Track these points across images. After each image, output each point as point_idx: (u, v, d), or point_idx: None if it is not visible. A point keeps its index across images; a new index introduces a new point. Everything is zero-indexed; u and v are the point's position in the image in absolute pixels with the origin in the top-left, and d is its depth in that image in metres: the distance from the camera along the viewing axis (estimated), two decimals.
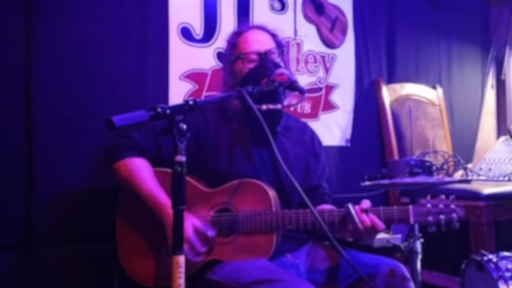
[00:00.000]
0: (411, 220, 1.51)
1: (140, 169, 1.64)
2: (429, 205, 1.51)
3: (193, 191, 1.63)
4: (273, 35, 1.82)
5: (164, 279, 1.60)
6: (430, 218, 1.50)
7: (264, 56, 1.72)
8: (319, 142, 1.93)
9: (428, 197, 1.55)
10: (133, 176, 1.63)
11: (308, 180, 1.80)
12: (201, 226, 1.54)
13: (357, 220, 1.48)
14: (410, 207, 1.51)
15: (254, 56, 1.73)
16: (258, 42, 1.76)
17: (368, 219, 1.49)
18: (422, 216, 1.51)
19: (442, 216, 1.50)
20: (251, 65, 1.72)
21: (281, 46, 1.82)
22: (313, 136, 1.92)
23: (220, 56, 2.33)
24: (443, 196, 1.54)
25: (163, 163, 1.68)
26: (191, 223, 1.53)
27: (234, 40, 1.79)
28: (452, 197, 1.53)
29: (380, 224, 1.50)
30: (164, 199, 1.56)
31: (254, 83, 1.57)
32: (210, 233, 1.54)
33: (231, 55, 1.79)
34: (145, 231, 1.67)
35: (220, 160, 1.70)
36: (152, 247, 1.66)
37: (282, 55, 1.82)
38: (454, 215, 1.50)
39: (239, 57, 1.75)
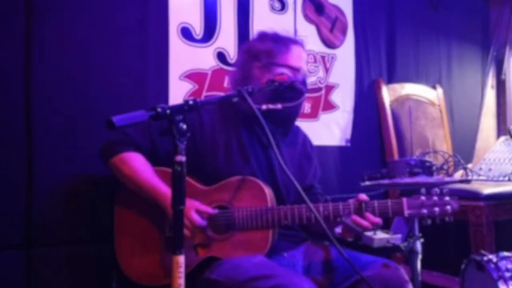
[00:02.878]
0: (406, 212, 1.52)
1: (139, 163, 1.65)
2: (423, 198, 1.52)
3: (189, 188, 1.62)
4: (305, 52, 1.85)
5: (162, 277, 1.60)
6: (424, 211, 1.51)
7: (296, 76, 1.73)
8: (311, 145, 1.98)
9: (423, 190, 1.55)
10: (132, 170, 1.63)
11: (301, 181, 1.80)
12: (202, 206, 1.57)
13: (358, 229, 1.54)
14: (404, 199, 1.53)
15: (288, 71, 1.73)
16: (298, 59, 1.77)
17: (366, 222, 1.53)
18: (416, 209, 1.52)
19: (436, 209, 1.51)
20: (284, 77, 1.69)
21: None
22: (305, 139, 1.96)
23: (220, 56, 2.34)
24: (437, 189, 1.54)
25: (158, 161, 1.69)
26: (192, 204, 1.55)
27: (272, 46, 1.75)
28: (446, 190, 1.53)
29: (377, 220, 1.53)
30: (164, 189, 1.58)
31: (284, 98, 1.66)
32: (211, 210, 1.57)
33: (264, 58, 1.75)
34: (143, 230, 1.67)
35: (217, 160, 1.70)
36: (150, 245, 1.66)
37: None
38: (448, 207, 1.51)
39: (275, 64, 1.72)
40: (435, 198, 1.52)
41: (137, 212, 1.68)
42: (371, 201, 1.56)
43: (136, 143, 1.68)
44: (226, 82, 2.35)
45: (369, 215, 1.54)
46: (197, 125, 1.74)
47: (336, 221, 1.59)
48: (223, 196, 1.64)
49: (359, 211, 1.55)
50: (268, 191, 1.63)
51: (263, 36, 1.84)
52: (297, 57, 1.77)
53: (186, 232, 1.53)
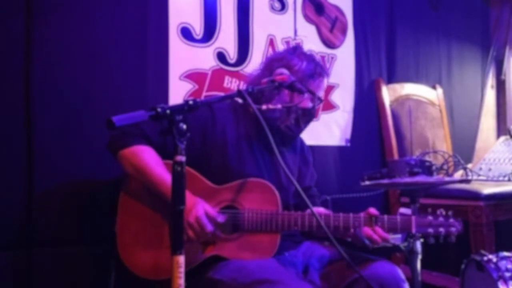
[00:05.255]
0: (413, 230, 1.58)
1: (150, 157, 1.63)
2: (430, 217, 1.59)
3: (200, 185, 1.63)
4: None
5: (164, 272, 1.59)
6: (430, 230, 1.58)
7: (317, 103, 1.83)
8: (307, 148, 2.03)
9: (429, 210, 1.62)
10: (143, 163, 1.61)
11: (300, 183, 1.83)
12: (212, 211, 1.55)
13: (368, 242, 1.62)
14: (413, 217, 1.59)
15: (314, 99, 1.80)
16: (323, 90, 1.87)
17: (376, 236, 1.59)
18: (423, 227, 1.58)
19: (441, 229, 1.58)
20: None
21: None
22: (302, 143, 2.01)
23: (220, 56, 2.34)
24: (442, 210, 1.61)
25: (167, 156, 1.66)
26: (202, 206, 1.54)
27: (305, 79, 1.77)
28: (450, 213, 1.61)
29: (386, 235, 1.60)
30: None
31: (306, 119, 1.80)
32: (220, 219, 1.56)
33: (294, 83, 1.73)
34: (148, 222, 1.65)
35: (228, 158, 1.70)
36: (155, 239, 1.64)
37: None
38: (453, 229, 1.58)
39: (306, 90, 1.74)
40: (441, 219, 1.59)
41: (143, 204, 1.67)
42: (381, 216, 1.61)
43: (147, 136, 1.66)
44: (226, 82, 2.35)
45: (378, 229, 1.59)
46: (210, 121, 1.74)
47: (346, 233, 1.64)
48: (233, 196, 1.64)
49: (369, 224, 1.60)
50: (279, 196, 1.64)
51: (301, 55, 1.84)
52: (323, 88, 1.86)
53: (191, 234, 1.52)
